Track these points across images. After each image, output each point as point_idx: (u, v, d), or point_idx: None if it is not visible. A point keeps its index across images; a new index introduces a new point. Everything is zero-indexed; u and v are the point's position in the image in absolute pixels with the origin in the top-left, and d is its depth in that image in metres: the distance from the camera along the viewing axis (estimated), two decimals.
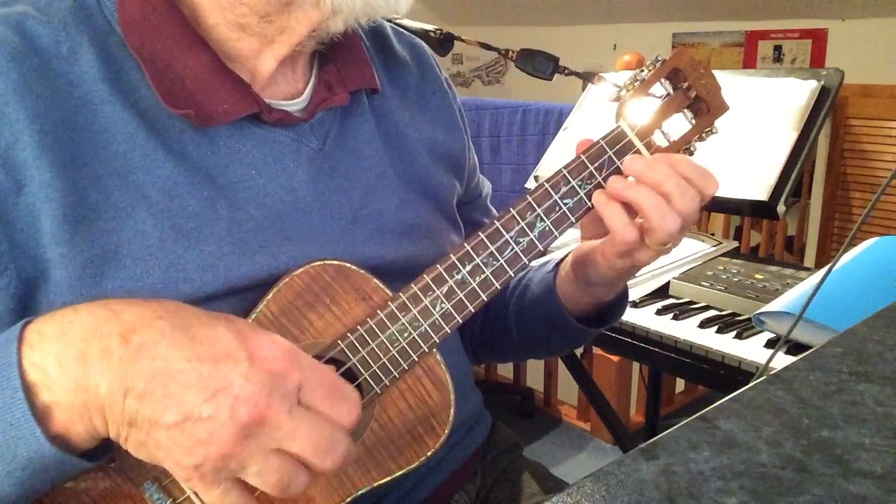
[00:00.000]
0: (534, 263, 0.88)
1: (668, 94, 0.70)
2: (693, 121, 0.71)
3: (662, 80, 0.70)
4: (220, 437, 0.47)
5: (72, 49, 0.60)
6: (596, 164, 0.69)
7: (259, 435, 0.48)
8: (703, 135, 0.72)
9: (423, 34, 1.33)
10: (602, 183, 0.68)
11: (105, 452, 0.53)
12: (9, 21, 0.60)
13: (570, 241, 0.84)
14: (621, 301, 0.84)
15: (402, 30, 0.86)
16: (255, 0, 0.63)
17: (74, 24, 0.61)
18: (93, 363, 0.48)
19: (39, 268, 0.57)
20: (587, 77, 1.34)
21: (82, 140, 0.59)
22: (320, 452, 0.50)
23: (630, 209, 0.68)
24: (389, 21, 0.87)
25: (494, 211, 0.93)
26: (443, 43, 1.34)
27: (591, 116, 1.56)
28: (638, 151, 0.69)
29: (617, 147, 0.69)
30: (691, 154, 0.73)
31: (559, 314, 0.81)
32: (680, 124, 0.71)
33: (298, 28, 0.65)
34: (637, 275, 1.21)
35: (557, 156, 1.53)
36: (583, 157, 0.68)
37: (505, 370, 2.89)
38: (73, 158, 0.58)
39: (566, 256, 0.82)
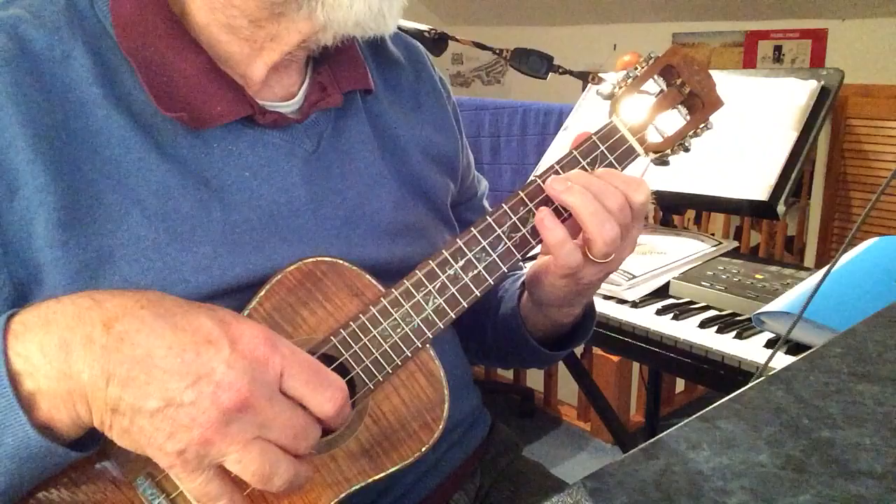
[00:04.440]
0: (514, 275, 0.88)
1: (662, 91, 0.70)
2: (688, 117, 0.71)
3: (656, 76, 0.70)
4: (201, 422, 0.47)
5: (65, 52, 0.61)
6: (588, 160, 0.69)
7: (240, 421, 0.48)
8: (699, 130, 0.72)
9: (418, 34, 1.34)
10: None
11: (92, 444, 0.53)
12: (2, 25, 0.60)
13: None
14: (584, 325, 0.83)
15: (396, 30, 0.86)
16: (246, 4, 0.63)
17: (68, 27, 0.61)
18: (75, 351, 0.48)
19: (32, 272, 0.57)
20: (582, 76, 1.34)
21: (76, 144, 0.59)
22: (297, 440, 0.50)
23: (573, 232, 0.67)
24: None
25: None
26: (437, 43, 1.35)
27: (590, 116, 1.56)
28: (630, 146, 0.69)
29: (609, 142, 0.69)
30: (686, 150, 0.73)
31: (522, 334, 0.81)
32: (674, 120, 0.71)
33: (288, 38, 0.66)
34: (637, 274, 1.21)
35: (557, 156, 1.53)
36: (575, 152, 0.68)
37: (505, 370, 2.88)
38: (67, 162, 0.58)
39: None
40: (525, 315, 0.81)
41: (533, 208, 0.67)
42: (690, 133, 0.72)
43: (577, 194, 0.64)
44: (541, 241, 0.67)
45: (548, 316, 0.79)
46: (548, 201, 0.67)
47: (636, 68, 0.71)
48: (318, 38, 0.66)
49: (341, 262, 0.64)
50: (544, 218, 0.65)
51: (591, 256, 0.66)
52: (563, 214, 0.67)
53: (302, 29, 0.65)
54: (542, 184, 0.67)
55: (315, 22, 0.64)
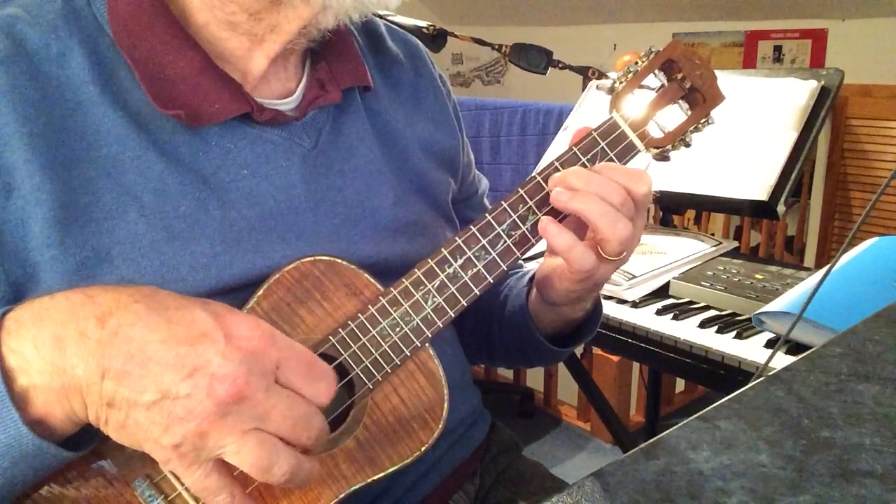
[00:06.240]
0: (518, 272, 0.88)
1: (663, 86, 0.70)
2: (689, 112, 0.71)
3: (656, 71, 0.70)
4: (197, 414, 0.47)
5: (62, 51, 0.60)
6: (588, 156, 0.68)
7: (237, 413, 0.48)
8: (700, 125, 0.71)
9: (417, 31, 1.34)
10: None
11: (87, 443, 0.53)
12: None
13: None
14: (593, 318, 0.82)
15: (395, 27, 0.86)
16: None
17: (65, 25, 0.61)
18: (69, 346, 0.48)
19: (28, 271, 0.57)
20: (582, 71, 1.34)
21: (73, 142, 0.59)
22: (297, 430, 0.50)
23: (578, 231, 0.66)
24: (382, 18, 0.87)
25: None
26: (436, 39, 1.35)
27: (591, 116, 1.56)
28: (631, 142, 0.69)
29: (609, 138, 0.68)
30: (687, 145, 0.72)
31: (530, 332, 0.80)
32: (675, 115, 0.70)
33: (289, 26, 0.65)
34: (637, 274, 1.21)
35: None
36: (575, 149, 0.68)
37: (505, 370, 2.88)
38: (64, 160, 0.58)
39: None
40: (534, 313, 0.80)
41: (533, 206, 0.66)
42: (691, 128, 0.71)
43: (584, 199, 0.63)
44: (541, 239, 0.67)
45: (559, 313, 0.78)
46: (546, 199, 0.66)
47: (637, 63, 0.70)
48: (319, 20, 0.66)
49: (339, 261, 0.64)
50: (547, 226, 0.65)
51: (605, 256, 0.66)
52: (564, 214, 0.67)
53: (302, 14, 0.65)
54: (544, 185, 0.67)
55: (314, 5, 0.64)
